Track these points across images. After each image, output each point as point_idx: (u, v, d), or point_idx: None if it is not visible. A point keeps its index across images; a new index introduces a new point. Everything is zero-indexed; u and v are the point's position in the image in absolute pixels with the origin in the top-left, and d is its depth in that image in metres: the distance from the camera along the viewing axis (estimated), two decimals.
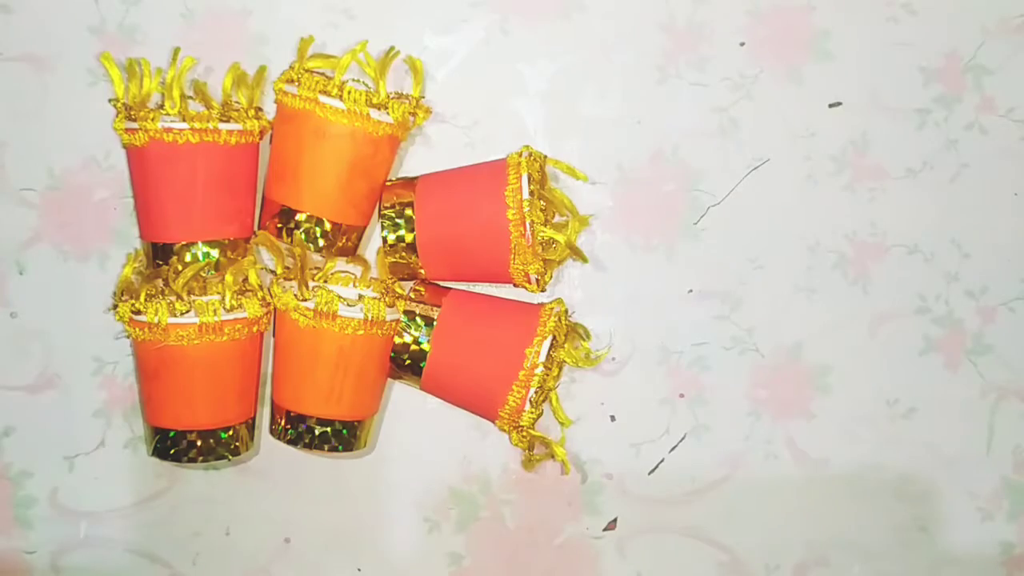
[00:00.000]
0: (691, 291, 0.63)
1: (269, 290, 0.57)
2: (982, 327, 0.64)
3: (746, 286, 0.63)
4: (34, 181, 0.60)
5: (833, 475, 0.63)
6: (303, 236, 0.57)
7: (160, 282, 0.56)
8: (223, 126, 0.55)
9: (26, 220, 0.60)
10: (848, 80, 0.62)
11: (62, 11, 0.60)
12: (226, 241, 0.57)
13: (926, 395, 0.64)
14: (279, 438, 0.58)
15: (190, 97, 0.57)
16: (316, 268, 0.58)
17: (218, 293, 0.56)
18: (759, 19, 0.62)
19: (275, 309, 0.57)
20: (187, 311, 0.54)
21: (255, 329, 0.57)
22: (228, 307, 0.55)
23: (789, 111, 0.62)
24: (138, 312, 0.55)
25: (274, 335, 0.59)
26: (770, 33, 0.62)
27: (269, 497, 0.62)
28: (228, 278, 0.56)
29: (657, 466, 0.63)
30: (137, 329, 0.55)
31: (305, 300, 0.56)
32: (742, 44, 0.62)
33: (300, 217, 0.57)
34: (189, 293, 0.55)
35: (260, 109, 0.59)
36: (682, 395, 0.63)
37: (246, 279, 0.57)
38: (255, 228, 0.59)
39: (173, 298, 0.55)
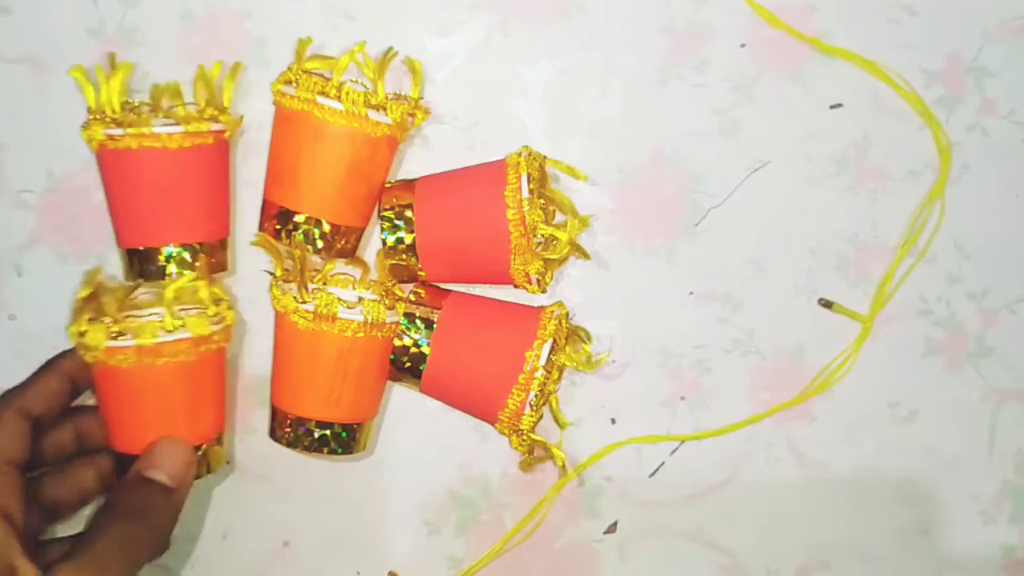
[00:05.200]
0: (692, 293, 0.63)
1: (226, 303, 0.56)
2: (984, 329, 0.64)
3: (747, 288, 0.63)
4: (33, 183, 0.60)
5: (834, 478, 0.63)
6: (302, 237, 0.56)
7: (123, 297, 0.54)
8: (162, 129, 0.54)
9: (24, 222, 0.60)
10: (849, 82, 0.62)
11: (61, 13, 0.60)
12: (196, 246, 0.56)
13: (928, 398, 0.64)
14: (278, 441, 0.57)
15: (145, 103, 0.57)
16: (315, 270, 0.57)
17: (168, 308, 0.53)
18: (760, 20, 0.62)
19: (275, 312, 0.57)
20: (124, 333, 0.52)
21: (203, 349, 0.54)
22: (171, 328, 0.53)
23: (790, 113, 0.62)
24: (82, 334, 0.53)
25: (273, 337, 0.59)
26: (771, 34, 0.62)
27: (267, 500, 0.61)
28: (167, 294, 0.53)
29: (658, 469, 0.63)
30: (84, 351, 0.54)
31: (305, 302, 0.55)
32: (743, 45, 0.62)
33: (299, 218, 0.56)
34: (132, 310, 0.53)
35: (223, 110, 0.58)
36: (683, 397, 0.63)
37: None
38: (251, 229, 0.59)
39: (110, 320, 0.53)
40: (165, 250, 0.56)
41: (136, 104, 0.57)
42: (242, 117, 0.58)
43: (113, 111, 0.56)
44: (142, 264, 0.56)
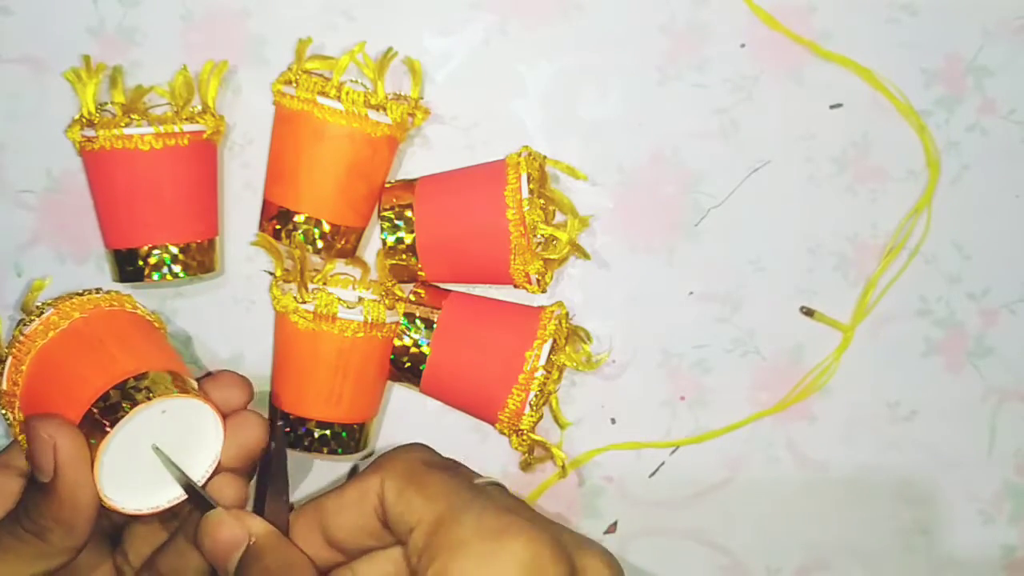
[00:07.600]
0: (691, 293, 0.63)
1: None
2: (983, 329, 0.64)
3: (747, 288, 0.63)
4: (33, 183, 0.60)
5: (834, 478, 0.63)
6: (302, 237, 0.56)
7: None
8: (133, 131, 0.54)
9: (24, 222, 0.60)
10: (849, 81, 0.62)
11: (60, 13, 0.60)
12: (179, 246, 0.56)
13: (927, 397, 0.63)
14: None
15: (121, 105, 0.57)
16: (315, 270, 0.58)
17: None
18: (759, 20, 0.62)
19: (275, 312, 0.57)
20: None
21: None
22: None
23: (790, 112, 0.62)
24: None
25: (273, 338, 0.59)
26: (771, 34, 0.62)
27: None
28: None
29: (658, 469, 0.63)
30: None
31: (305, 302, 0.55)
32: (743, 45, 0.62)
33: (299, 218, 0.56)
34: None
35: (204, 112, 0.57)
36: (683, 397, 0.63)
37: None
38: (251, 229, 0.59)
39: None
40: (146, 251, 0.56)
41: (107, 104, 0.57)
42: (223, 117, 0.58)
43: (89, 112, 0.56)
44: (124, 265, 0.56)
